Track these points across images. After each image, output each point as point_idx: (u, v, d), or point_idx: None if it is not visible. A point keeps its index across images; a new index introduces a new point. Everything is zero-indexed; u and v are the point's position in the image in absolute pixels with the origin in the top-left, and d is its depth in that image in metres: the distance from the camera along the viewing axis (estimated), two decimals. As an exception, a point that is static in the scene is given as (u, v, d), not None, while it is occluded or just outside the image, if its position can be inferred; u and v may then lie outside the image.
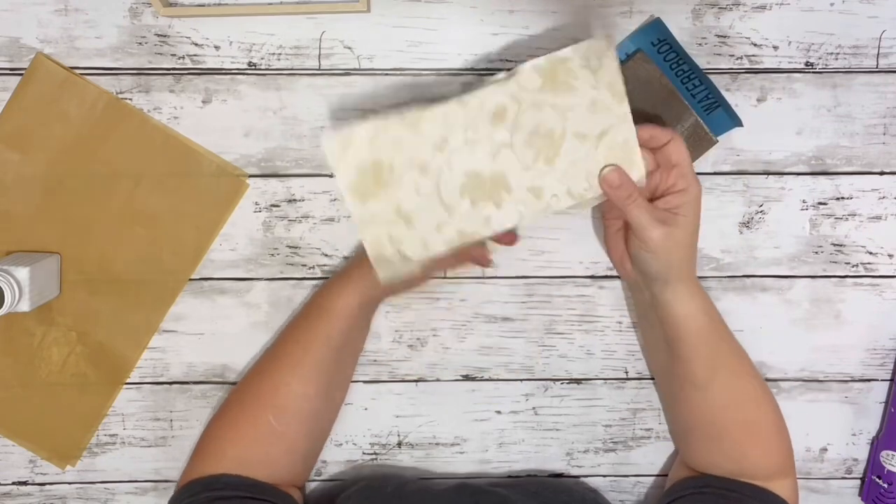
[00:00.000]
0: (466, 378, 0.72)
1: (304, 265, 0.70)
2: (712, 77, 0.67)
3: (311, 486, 0.74)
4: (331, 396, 0.68)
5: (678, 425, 0.70)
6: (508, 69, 0.56)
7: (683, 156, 0.57)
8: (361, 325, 0.67)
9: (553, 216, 0.58)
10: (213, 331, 0.70)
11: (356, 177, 0.55)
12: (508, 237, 0.63)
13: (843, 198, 0.70)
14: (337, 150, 0.54)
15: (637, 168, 0.57)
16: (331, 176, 0.68)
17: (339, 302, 0.64)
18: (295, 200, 0.69)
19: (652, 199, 0.59)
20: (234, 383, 0.71)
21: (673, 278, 0.60)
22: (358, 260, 0.65)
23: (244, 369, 0.71)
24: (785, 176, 0.69)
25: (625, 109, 0.56)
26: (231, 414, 0.66)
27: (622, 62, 0.63)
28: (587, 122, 0.56)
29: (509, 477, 0.74)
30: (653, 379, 0.72)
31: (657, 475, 0.74)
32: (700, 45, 0.67)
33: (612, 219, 0.64)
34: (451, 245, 0.57)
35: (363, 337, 0.70)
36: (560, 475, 0.74)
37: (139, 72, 0.67)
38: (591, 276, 0.70)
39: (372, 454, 0.73)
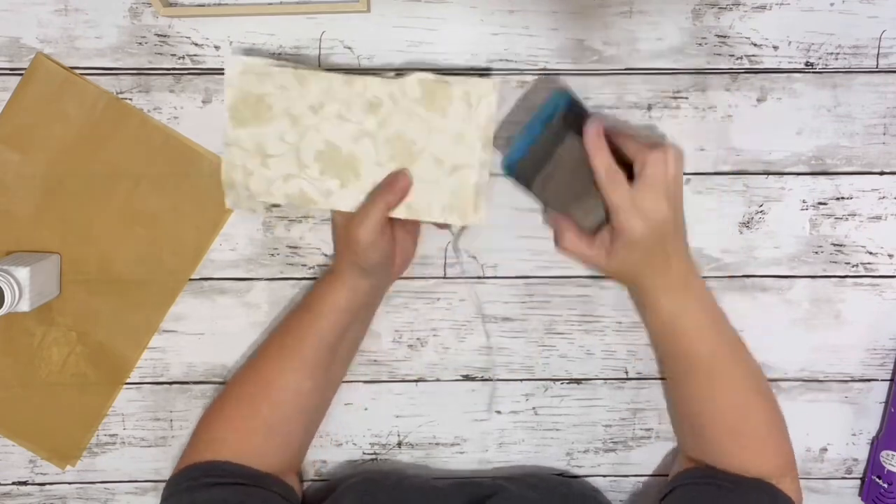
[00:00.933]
0: (466, 378, 0.72)
1: (304, 265, 0.70)
2: (712, 77, 0.67)
3: (312, 485, 0.74)
4: (326, 390, 0.68)
5: (670, 409, 0.71)
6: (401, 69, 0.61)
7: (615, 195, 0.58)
8: (356, 321, 0.66)
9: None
10: (213, 331, 0.70)
11: (239, 101, 0.61)
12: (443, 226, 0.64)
13: (843, 198, 0.70)
14: (234, 72, 0.61)
15: (479, 214, 0.61)
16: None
17: (328, 299, 0.64)
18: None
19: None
20: (234, 383, 0.71)
21: (633, 286, 0.62)
22: (340, 256, 0.65)
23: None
24: (785, 176, 0.69)
25: (487, 157, 0.61)
26: (227, 407, 0.66)
27: (551, 119, 0.60)
28: (447, 150, 0.61)
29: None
30: (654, 379, 0.72)
31: (657, 475, 0.74)
32: (700, 45, 0.67)
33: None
34: (290, 199, 0.62)
35: (361, 331, 0.69)
36: (560, 475, 0.74)
37: (139, 72, 0.67)
38: (591, 276, 0.70)
39: (372, 454, 0.73)
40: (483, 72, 0.67)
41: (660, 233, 0.58)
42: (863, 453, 0.74)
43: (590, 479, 0.74)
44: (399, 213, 0.61)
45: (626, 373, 0.72)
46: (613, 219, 0.58)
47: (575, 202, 0.61)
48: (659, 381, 0.72)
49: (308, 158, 0.62)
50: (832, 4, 0.67)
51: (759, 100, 0.68)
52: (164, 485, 0.71)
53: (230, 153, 0.62)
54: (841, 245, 0.71)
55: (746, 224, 0.70)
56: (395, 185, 0.60)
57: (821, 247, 0.71)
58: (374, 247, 0.60)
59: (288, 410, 0.64)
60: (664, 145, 0.58)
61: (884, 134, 0.69)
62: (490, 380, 0.71)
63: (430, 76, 0.60)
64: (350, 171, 0.61)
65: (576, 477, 0.74)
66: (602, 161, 0.57)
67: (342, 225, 0.63)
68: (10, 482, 0.72)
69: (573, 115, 0.60)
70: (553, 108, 0.60)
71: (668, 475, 0.73)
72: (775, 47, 0.67)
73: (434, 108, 0.60)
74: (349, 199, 0.62)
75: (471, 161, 0.61)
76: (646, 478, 0.74)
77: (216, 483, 0.61)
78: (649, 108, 0.68)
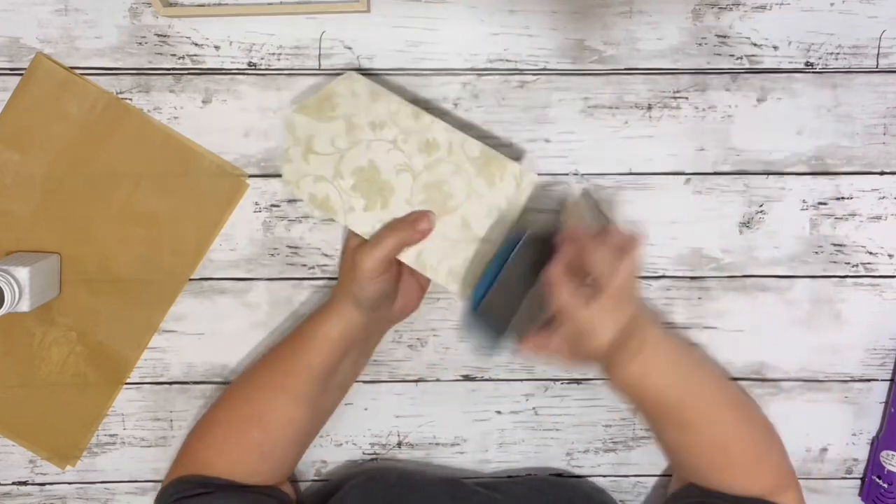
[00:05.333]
0: (466, 378, 0.72)
1: (304, 265, 0.70)
2: (712, 77, 0.68)
3: (311, 485, 0.74)
4: (317, 418, 0.67)
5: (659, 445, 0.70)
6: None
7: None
8: (348, 355, 0.64)
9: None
10: (213, 331, 0.70)
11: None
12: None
13: (843, 198, 0.70)
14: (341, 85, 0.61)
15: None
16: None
17: (319, 331, 0.62)
18: (295, 200, 0.69)
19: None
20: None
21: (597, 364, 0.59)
22: (340, 284, 0.64)
23: (244, 369, 0.71)
24: (785, 176, 0.69)
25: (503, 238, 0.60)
26: (217, 431, 0.65)
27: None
28: (479, 218, 0.61)
29: (510, 477, 0.73)
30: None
31: (657, 475, 0.74)
32: (700, 45, 0.67)
33: None
34: (312, 200, 0.62)
35: (356, 368, 0.68)
36: (560, 475, 0.74)
37: (139, 72, 0.67)
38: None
39: (372, 454, 0.73)
40: (482, 71, 0.67)
41: (624, 328, 0.56)
42: (863, 453, 0.74)
43: (590, 480, 0.74)
44: (407, 257, 0.61)
45: (626, 373, 0.72)
46: (582, 334, 0.56)
47: (529, 320, 0.59)
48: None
49: (346, 170, 0.61)
50: (832, 4, 0.67)
51: (759, 100, 0.68)
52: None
53: (288, 132, 0.62)
54: (841, 245, 0.71)
55: (746, 224, 0.70)
56: (416, 224, 0.59)
57: (821, 247, 0.71)
58: (375, 280, 0.59)
59: (278, 437, 0.64)
60: (625, 253, 0.55)
61: (884, 134, 0.69)
62: None
63: (489, 149, 0.60)
64: (379, 198, 0.61)
65: (579, 477, 0.74)
66: (562, 298, 0.55)
67: (350, 249, 0.62)
68: (10, 482, 0.72)
69: (533, 249, 0.58)
70: (508, 250, 0.58)
71: (668, 475, 0.74)
72: (775, 47, 0.67)
73: (484, 173, 0.60)
74: (367, 224, 0.61)
75: (494, 239, 0.60)
76: (646, 478, 0.74)
77: (208, 492, 0.61)
78: (649, 108, 0.68)
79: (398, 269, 0.62)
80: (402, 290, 0.65)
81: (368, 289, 0.59)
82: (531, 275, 0.58)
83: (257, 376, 0.66)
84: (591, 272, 0.56)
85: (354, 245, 0.62)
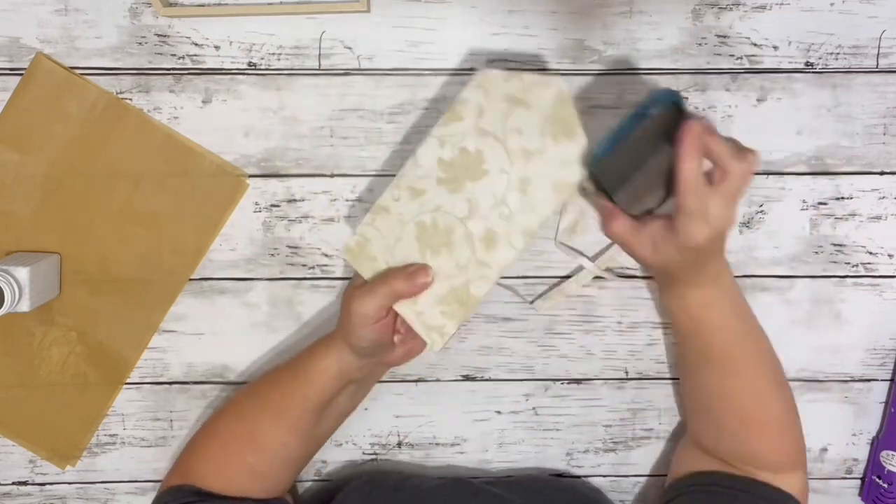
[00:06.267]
0: (466, 378, 0.72)
1: (304, 265, 0.70)
2: (712, 77, 0.68)
3: (311, 485, 0.74)
4: (312, 444, 0.67)
5: (683, 398, 0.70)
6: None
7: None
8: (344, 391, 0.64)
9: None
10: (213, 331, 0.70)
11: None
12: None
13: (843, 198, 0.70)
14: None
15: (439, 345, 0.60)
16: (330, 176, 0.69)
17: (318, 366, 0.62)
18: (295, 200, 0.69)
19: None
20: (234, 383, 0.71)
21: (665, 277, 0.60)
22: (338, 326, 0.62)
23: (244, 369, 0.71)
24: (785, 176, 0.69)
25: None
26: (212, 449, 0.65)
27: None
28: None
29: (510, 477, 0.74)
30: (654, 379, 0.72)
31: (657, 475, 0.74)
32: (700, 45, 0.67)
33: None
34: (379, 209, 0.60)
35: (353, 399, 0.68)
36: (560, 475, 0.74)
37: (139, 72, 0.67)
38: (592, 276, 0.70)
39: (372, 454, 0.73)
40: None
41: (715, 239, 0.55)
42: (863, 453, 0.74)
43: (589, 480, 0.74)
44: (402, 308, 0.59)
45: (626, 373, 0.72)
46: (679, 221, 0.53)
47: (639, 201, 0.57)
48: (659, 381, 0.72)
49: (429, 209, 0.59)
50: (832, 4, 0.67)
51: (759, 100, 0.68)
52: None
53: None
54: (841, 245, 0.71)
55: (746, 224, 0.70)
56: (414, 277, 0.58)
57: (821, 247, 0.71)
58: (367, 328, 0.58)
59: (272, 459, 0.64)
60: (748, 158, 0.52)
61: (884, 134, 0.69)
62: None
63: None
64: (429, 250, 0.59)
65: (577, 477, 0.74)
66: (691, 169, 0.51)
67: (348, 293, 0.60)
68: (10, 482, 0.72)
69: (670, 118, 0.53)
70: (650, 107, 0.53)
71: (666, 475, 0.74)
72: (775, 47, 0.67)
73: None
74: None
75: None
76: (646, 478, 0.74)
77: (205, 500, 0.61)
78: (649, 108, 0.68)
79: (394, 320, 0.60)
80: (405, 341, 0.62)
81: (360, 335, 0.58)
82: (659, 143, 0.53)
83: (256, 396, 0.66)
84: (718, 161, 0.52)
85: (351, 289, 0.60)
